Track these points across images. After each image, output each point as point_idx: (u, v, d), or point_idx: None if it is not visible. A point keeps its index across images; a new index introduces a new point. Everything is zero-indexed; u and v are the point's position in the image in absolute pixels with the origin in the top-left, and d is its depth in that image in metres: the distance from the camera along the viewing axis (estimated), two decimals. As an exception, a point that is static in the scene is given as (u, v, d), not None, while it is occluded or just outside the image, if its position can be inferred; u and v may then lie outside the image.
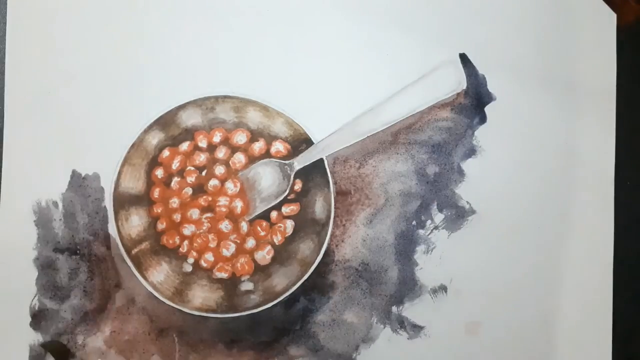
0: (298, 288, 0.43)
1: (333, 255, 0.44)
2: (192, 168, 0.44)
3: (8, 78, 0.44)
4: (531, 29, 0.45)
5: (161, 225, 0.44)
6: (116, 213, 0.43)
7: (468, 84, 0.44)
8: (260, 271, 0.44)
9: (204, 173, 0.44)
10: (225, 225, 0.44)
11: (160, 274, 0.43)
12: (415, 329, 0.43)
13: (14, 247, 0.43)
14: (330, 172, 0.44)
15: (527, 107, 0.45)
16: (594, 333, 0.43)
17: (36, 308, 0.43)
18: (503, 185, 0.44)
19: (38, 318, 0.43)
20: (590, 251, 0.44)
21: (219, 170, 0.44)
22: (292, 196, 0.44)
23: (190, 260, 0.44)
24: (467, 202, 0.44)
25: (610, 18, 0.45)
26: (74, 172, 0.44)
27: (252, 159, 0.44)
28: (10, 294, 0.43)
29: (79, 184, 0.44)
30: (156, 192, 0.44)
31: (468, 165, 0.44)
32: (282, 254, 0.44)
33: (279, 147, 0.44)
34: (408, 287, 0.44)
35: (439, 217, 0.44)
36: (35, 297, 0.43)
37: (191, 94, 0.44)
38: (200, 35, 0.45)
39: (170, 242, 0.44)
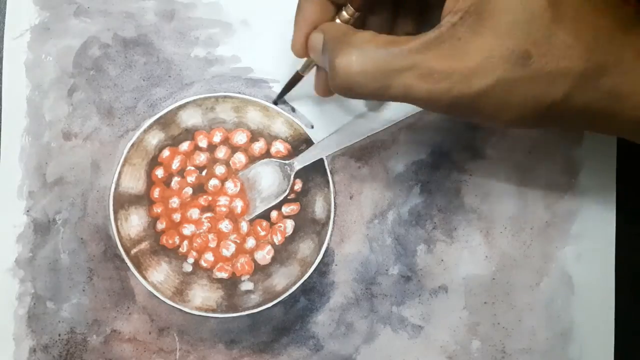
0: (298, 288, 0.43)
1: (333, 255, 0.44)
2: (192, 168, 0.44)
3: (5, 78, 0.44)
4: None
5: (161, 225, 0.44)
6: (116, 213, 0.43)
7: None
8: (260, 271, 0.44)
9: (204, 173, 0.44)
10: (225, 225, 0.44)
11: (160, 273, 0.43)
12: (415, 329, 0.43)
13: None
14: (330, 172, 0.44)
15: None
16: (596, 333, 0.43)
17: (35, 308, 0.43)
18: (504, 186, 0.44)
19: (37, 318, 0.43)
20: (592, 250, 0.44)
21: (219, 170, 0.44)
22: (292, 196, 0.44)
23: (190, 260, 0.44)
24: (468, 203, 0.44)
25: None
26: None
27: (252, 159, 0.44)
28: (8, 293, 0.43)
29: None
30: (156, 192, 0.44)
31: (469, 166, 0.44)
32: (282, 254, 0.44)
33: (279, 147, 0.44)
34: (408, 287, 0.43)
35: (439, 217, 0.44)
36: (34, 296, 0.43)
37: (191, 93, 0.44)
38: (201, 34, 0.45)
39: (170, 242, 0.44)
